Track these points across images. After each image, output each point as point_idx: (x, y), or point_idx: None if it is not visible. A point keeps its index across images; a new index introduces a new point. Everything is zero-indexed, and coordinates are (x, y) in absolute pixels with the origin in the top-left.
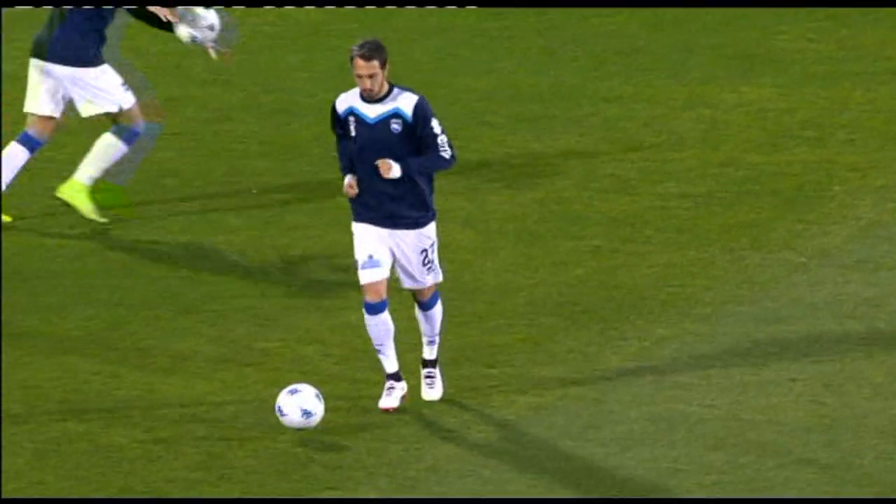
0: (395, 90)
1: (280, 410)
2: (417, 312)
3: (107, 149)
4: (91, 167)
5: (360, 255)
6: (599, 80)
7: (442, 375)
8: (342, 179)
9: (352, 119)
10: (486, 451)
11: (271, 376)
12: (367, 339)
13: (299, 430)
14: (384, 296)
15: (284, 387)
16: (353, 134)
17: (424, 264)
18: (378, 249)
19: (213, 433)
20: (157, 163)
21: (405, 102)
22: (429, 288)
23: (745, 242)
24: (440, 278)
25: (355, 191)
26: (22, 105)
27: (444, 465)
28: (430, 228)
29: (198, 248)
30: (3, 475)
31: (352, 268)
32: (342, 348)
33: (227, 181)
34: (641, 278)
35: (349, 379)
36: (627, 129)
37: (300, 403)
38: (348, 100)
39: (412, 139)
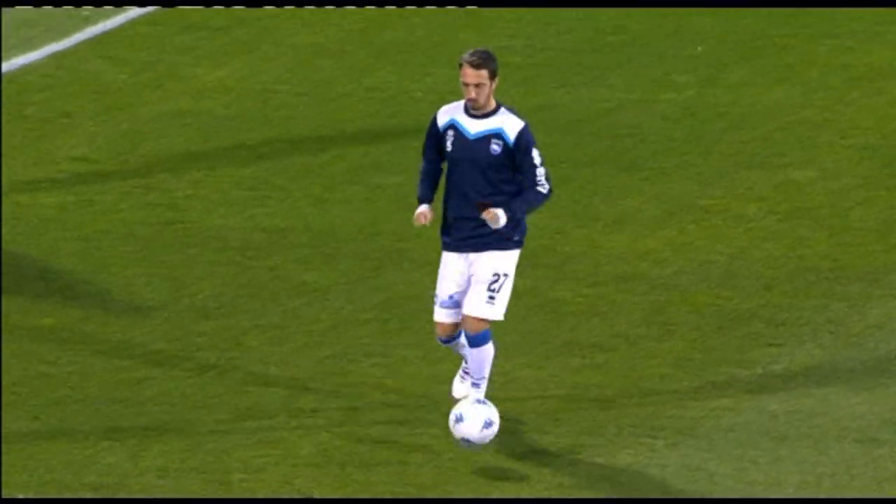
0: (502, 109)
1: (460, 416)
2: (464, 342)
3: None
4: None
5: (441, 291)
6: None
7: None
8: (416, 205)
9: (451, 133)
10: None
11: (713, 233)
12: (806, 196)
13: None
14: (453, 334)
15: (718, 249)
16: (449, 149)
17: (489, 288)
18: (458, 289)
19: (655, 289)
20: (603, 20)
21: (509, 125)
22: (479, 320)
23: None
24: (497, 316)
25: (427, 220)
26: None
27: (889, 323)
28: (512, 255)
29: (644, 105)
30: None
31: (795, 124)
32: (784, 206)
33: (674, 40)
34: None
35: (791, 236)
36: None
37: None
38: (451, 112)
39: (509, 164)
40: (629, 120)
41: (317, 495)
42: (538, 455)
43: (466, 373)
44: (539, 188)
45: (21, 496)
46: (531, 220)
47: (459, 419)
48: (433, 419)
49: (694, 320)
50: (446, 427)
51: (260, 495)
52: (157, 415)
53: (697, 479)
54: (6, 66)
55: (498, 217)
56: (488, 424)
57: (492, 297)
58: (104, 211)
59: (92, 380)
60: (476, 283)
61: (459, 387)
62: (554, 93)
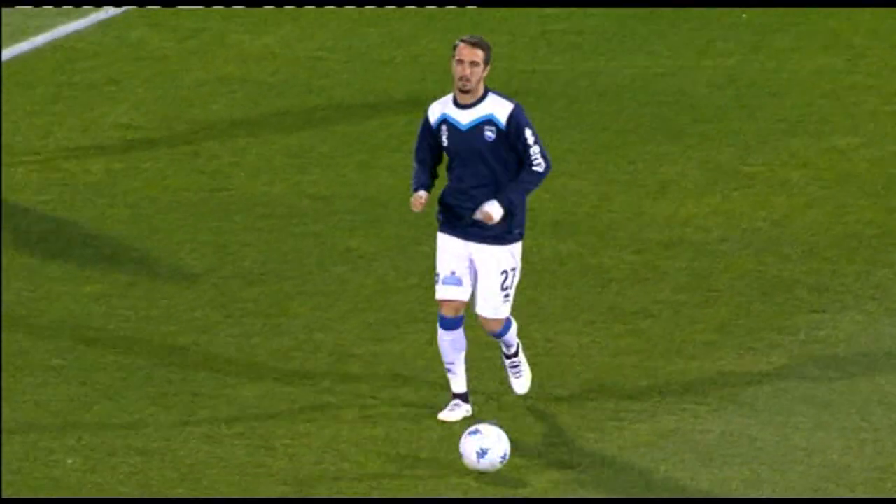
0: (490, 95)
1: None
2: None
3: None
4: None
5: (443, 269)
6: None
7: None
8: (412, 194)
9: (444, 128)
10: None
11: (756, 200)
12: (850, 162)
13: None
14: (461, 313)
15: (762, 216)
16: (445, 143)
17: (503, 289)
18: (461, 266)
19: (699, 256)
20: None
21: (499, 110)
22: (497, 320)
23: None
24: (508, 313)
25: (422, 202)
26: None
27: None
28: (515, 249)
29: (688, 72)
30: None
31: (839, 90)
32: (828, 172)
33: (718, 7)
34: None
35: (835, 202)
36: None
37: (478, 444)
38: (441, 108)
39: (505, 147)
40: (673, 87)
41: (360, 460)
42: (581, 421)
43: (514, 366)
44: (535, 167)
45: (71, 460)
46: (575, 185)
47: (482, 454)
48: (477, 385)
49: (737, 287)
50: (490, 393)
51: (304, 460)
52: (203, 380)
53: (740, 445)
54: (52, 33)
55: (490, 214)
56: (482, 454)
57: (507, 296)
58: (150, 178)
59: (138, 346)
60: (485, 287)
61: (518, 382)
62: (598, 60)
